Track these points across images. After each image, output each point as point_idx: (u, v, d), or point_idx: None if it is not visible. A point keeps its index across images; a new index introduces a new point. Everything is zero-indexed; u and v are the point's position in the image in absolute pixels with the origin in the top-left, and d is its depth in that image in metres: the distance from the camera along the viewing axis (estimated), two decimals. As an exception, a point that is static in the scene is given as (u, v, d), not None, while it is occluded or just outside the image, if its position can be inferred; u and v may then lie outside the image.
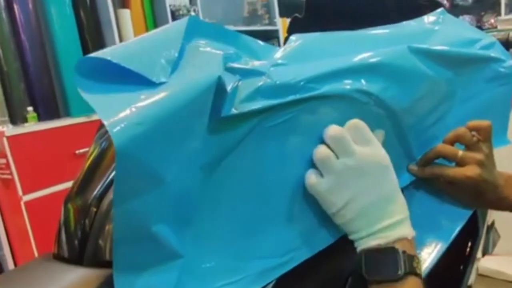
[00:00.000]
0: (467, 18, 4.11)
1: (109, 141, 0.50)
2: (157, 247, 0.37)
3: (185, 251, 0.39)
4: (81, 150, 1.79)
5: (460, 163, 0.53)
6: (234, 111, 0.38)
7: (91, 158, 0.50)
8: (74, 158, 1.78)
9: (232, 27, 2.76)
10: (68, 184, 0.51)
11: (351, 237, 0.45)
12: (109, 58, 0.36)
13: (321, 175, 0.44)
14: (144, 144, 0.33)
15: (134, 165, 0.33)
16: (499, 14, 3.79)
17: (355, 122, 0.44)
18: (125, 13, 2.27)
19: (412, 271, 0.41)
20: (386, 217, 0.43)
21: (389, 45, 0.51)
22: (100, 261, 0.43)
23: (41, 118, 1.91)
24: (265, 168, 0.43)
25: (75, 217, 0.46)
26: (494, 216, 0.84)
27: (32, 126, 1.76)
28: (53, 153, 1.74)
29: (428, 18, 0.61)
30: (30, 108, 1.88)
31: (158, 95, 0.35)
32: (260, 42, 0.47)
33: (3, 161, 1.62)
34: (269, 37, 3.29)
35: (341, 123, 0.46)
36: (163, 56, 0.37)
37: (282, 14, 3.32)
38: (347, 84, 0.46)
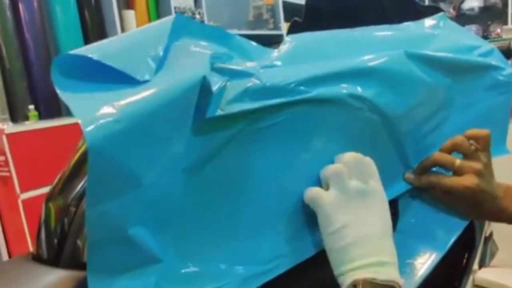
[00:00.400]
0: (473, 27, 4.11)
1: None
2: (134, 250, 0.35)
3: (165, 255, 0.38)
4: (81, 150, 1.78)
5: (458, 172, 0.51)
6: (220, 112, 0.37)
7: (76, 156, 0.49)
8: (73, 157, 1.77)
9: (236, 31, 2.77)
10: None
11: (343, 267, 0.41)
12: (90, 55, 0.35)
13: (325, 189, 0.43)
14: (120, 144, 0.32)
15: (108, 165, 0.32)
16: (505, 23, 3.77)
17: (365, 158, 0.44)
18: (130, 14, 2.28)
19: None
20: (381, 253, 0.41)
21: (386, 49, 0.50)
22: (77, 262, 0.42)
23: (42, 117, 1.92)
24: (251, 172, 0.42)
25: (55, 217, 0.45)
26: (492, 227, 0.83)
27: (32, 124, 1.76)
28: (52, 152, 1.73)
29: (428, 22, 0.60)
30: (31, 107, 1.89)
31: (138, 93, 0.33)
32: (254, 43, 0.46)
33: (2, 158, 1.61)
34: (274, 41, 3.29)
35: (334, 128, 0.45)
36: (148, 54, 0.36)
37: (287, 19, 3.32)
38: (340, 88, 0.44)
